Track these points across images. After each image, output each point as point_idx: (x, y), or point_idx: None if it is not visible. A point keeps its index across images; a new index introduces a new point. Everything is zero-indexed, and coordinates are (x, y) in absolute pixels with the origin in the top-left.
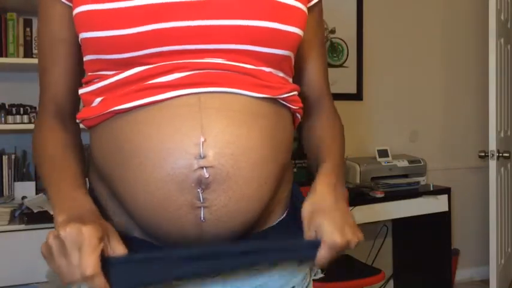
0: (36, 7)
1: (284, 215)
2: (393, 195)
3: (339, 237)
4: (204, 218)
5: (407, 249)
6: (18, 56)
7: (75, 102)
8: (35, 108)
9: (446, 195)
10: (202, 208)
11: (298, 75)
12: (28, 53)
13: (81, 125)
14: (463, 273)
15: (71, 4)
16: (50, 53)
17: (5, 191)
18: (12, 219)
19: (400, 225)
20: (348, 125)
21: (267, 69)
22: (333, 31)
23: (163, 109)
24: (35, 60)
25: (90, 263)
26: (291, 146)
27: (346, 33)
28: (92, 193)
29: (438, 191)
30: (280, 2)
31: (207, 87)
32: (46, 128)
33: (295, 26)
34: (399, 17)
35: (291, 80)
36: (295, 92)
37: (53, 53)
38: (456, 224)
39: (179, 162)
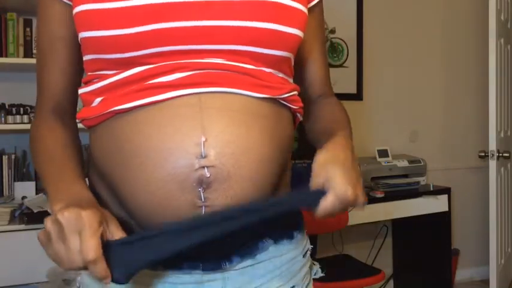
0: (36, 7)
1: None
2: (393, 195)
3: (350, 190)
4: None
5: (407, 249)
6: (18, 56)
7: (74, 101)
8: None
9: (446, 195)
10: (203, 207)
11: (299, 76)
12: (28, 53)
13: (80, 125)
14: (463, 273)
15: (70, 3)
16: (50, 52)
17: (5, 191)
18: (12, 219)
19: (400, 225)
20: None
21: (267, 70)
22: (333, 31)
23: (163, 109)
24: (35, 60)
25: (91, 247)
26: (292, 146)
27: (346, 33)
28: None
29: (438, 191)
30: (281, 3)
31: (207, 87)
32: (45, 126)
33: (296, 28)
34: (399, 17)
35: (291, 80)
36: (295, 92)
37: (52, 51)
38: (456, 224)
39: (180, 161)
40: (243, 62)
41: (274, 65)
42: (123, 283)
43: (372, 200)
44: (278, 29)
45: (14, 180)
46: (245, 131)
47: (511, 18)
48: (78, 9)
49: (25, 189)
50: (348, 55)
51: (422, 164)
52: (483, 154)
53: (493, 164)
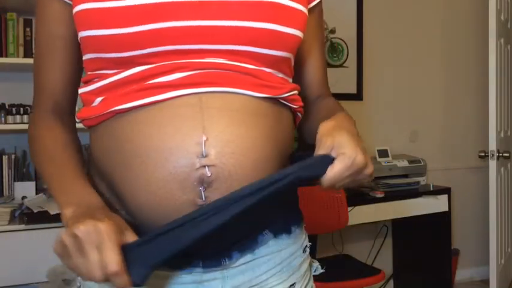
0: (36, 7)
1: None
2: (393, 195)
3: (360, 155)
4: None
5: (407, 249)
6: (18, 56)
7: (73, 100)
8: None
9: (446, 195)
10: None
11: (297, 76)
12: (28, 53)
13: (80, 125)
14: (463, 273)
15: (71, 2)
16: (49, 51)
17: (5, 191)
18: (12, 219)
19: (400, 225)
20: None
21: (268, 70)
22: (333, 31)
23: (163, 109)
24: None
25: (113, 260)
26: (292, 146)
27: (346, 33)
28: None
29: (438, 191)
30: (279, 4)
31: (208, 87)
32: (44, 125)
33: (295, 28)
34: (399, 17)
35: (290, 80)
36: (296, 91)
37: (52, 50)
38: (456, 224)
39: (181, 161)
40: (243, 62)
41: (274, 65)
42: (141, 285)
43: (372, 200)
44: (278, 29)
45: (14, 180)
46: (245, 130)
47: (511, 18)
48: (78, 8)
49: (25, 189)
50: (348, 55)
51: (422, 164)
52: (483, 154)
53: (493, 164)
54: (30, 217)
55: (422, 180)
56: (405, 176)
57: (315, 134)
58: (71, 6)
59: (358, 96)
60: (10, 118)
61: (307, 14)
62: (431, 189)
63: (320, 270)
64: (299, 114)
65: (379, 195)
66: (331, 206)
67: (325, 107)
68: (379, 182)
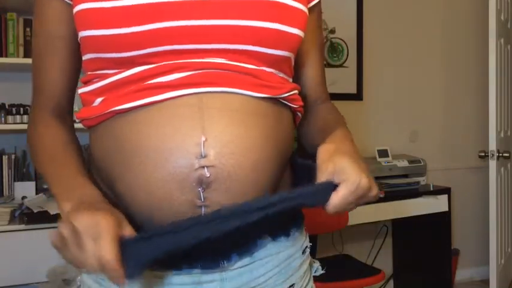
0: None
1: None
2: (393, 195)
3: (364, 178)
4: None
5: (407, 249)
6: (18, 56)
7: (72, 99)
8: None
9: (446, 195)
10: (203, 207)
11: (295, 76)
12: (28, 53)
13: (80, 125)
14: (463, 273)
15: (71, 2)
16: (49, 51)
17: (5, 191)
18: (12, 219)
19: (400, 225)
20: (348, 125)
21: (268, 70)
22: (333, 31)
23: (163, 109)
24: None
25: (109, 253)
26: (292, 146)
27: (346, 33)
28: None
29: (438, 191)
30: (282, 3)
31: (207, 87)
32: (44, 125)
33: (296, 27)
34: (399, 17)
35: (290, 80)
36: (296, 91)
37: (51, 51)
38: (456, 224)
39: (180, 161)
40: (244, 62)
41: (275, 65)
42: (134, 278)
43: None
44: (279, 28)
45: (14, 180)
46: (245, 130)
47: (511, 18)
48: (78, 8)
49: (25, 189)
50: (348, 55)
51: (422, 164)
52: (483, 154)
53: (493, 164)
54: (30, 217)
55: (422, 180)
56: (405, 176)
57: (311, 146)
58: (71, 6)
59: (358, 96)
60: (10, 118)
61: (307, 13)
62: (431, 189)
63: (320, 271)
64: (299, 114)
65: (379, 195)
66: None
67: (323, 118)
68: (379, 182)
